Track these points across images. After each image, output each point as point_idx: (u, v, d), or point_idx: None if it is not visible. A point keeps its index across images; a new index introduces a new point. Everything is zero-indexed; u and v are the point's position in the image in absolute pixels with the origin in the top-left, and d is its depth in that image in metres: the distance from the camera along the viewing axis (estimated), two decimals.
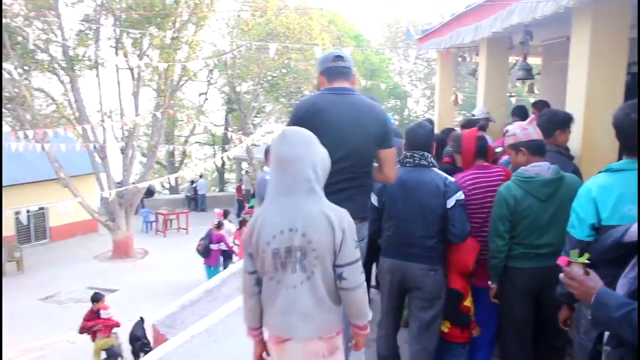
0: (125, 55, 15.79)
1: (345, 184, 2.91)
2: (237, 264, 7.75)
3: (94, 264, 16.06)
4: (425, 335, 3.49)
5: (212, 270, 12.05)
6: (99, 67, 16.18)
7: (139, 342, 8.84)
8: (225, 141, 26.96)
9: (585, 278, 1.87)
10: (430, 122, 7.18)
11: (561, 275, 1.93)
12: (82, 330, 8.89)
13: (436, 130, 6.90)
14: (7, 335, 10.97)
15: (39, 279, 14.66)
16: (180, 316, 7.28)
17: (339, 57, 3.06)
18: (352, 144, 2.92)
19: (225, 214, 13.89)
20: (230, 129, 24.68)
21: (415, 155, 3.48)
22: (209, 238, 12.49)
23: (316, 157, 2.32)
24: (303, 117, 2.89)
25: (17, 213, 16.33)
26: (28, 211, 16.95)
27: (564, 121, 3.89)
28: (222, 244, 12.43)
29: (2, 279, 7.95)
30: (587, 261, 1.89)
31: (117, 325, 9.02)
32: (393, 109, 33.06)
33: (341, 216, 2.26)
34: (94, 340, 8.93)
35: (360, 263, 2.31)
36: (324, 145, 2.45)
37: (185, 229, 19.73)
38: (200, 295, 7.34)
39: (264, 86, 21.36)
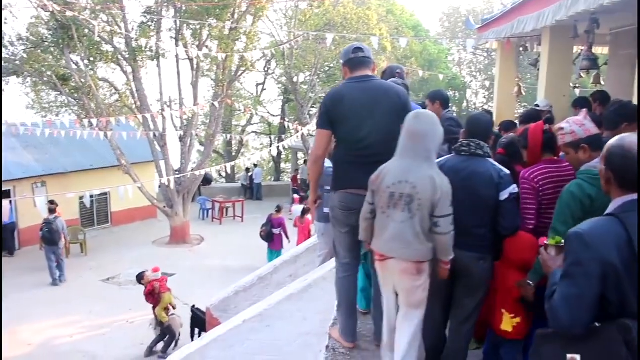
0: (185, 46, 16.10)
1: (374, 157, 3.32)
2: (290, 252, 7.81)
3: (152, 249, 16.54)
4: (464, 328, 3.46)
5: (274, 253, 12.35)
6: (160, 58, 16.59)
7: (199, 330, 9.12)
8: (282, 131, 27.20)
9: (549, 257, 2.37)
10: (489, 113, 7.03)
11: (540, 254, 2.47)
12: (148, 298, 9.34)
13: (496, 123, 6.76)
14: (71, 314, 11.53)
15: (101, 261, 15.24)
16: (234, 301, 7.42)
17: (359, 49, 3.56)
18: (375, 121, 3.39)
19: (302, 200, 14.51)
20: (286, 118, 24.86)
21: (472, 144, 3.41)
22: (270, 223, 12.94)
23: (436, 135, 3.10)
24: (330, 105, 3.47)
25: (82, 197, 17.01)
26: (92, 196, 17.64)
27: (633, 115, 3.71)
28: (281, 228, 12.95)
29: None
30: (560, 244, 2.31)
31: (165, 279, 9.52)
32: (451, 101, 32.55)
33: (443, 181, 3.04)
34: (155, 308, 9.25)
35: (451, 217, 3.05)
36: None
37: (241, 217, 20.05)
38: (253, 281, 7.46)
39: (321, 77, 21.41)
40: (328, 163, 3.84)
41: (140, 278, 9.54)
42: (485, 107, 29.65)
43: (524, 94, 8.88)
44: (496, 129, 5.95)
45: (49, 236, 13.11)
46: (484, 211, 3.31)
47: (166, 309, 9.38)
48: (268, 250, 13.06)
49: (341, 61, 3.66)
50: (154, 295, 9.28)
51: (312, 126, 17.09)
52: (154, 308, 9.43)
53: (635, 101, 4.32)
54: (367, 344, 3.96)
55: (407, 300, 3.17)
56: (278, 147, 14.12)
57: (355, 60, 3.52)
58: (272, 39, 21.91)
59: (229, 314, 7.39)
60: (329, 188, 3.82)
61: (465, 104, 34.43)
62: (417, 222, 3.01)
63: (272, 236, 12.91)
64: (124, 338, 10.25)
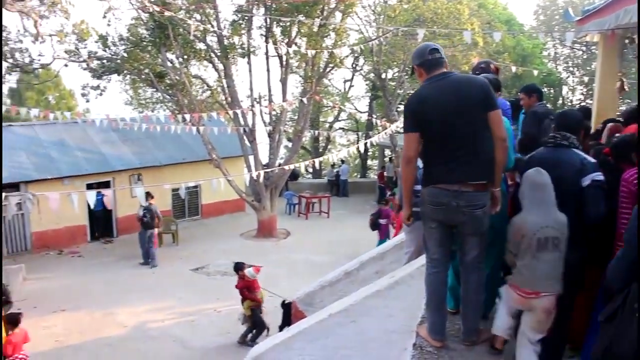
0: (275, 43, 16.37)
1: (461, 151, 3.37)
2: (376, 248, 7.75)
3: (239, 241, 16.97)
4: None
5: (380, 242, 12.50)
6: (250, 55, 16.96)
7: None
8: (369, 128, 27.11)
9: None
10: (587, 110, 6.65)
11: None
12: (242, 291, 9.59)
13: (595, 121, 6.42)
14: (163, 300, 12.04)
15: (191, 251, 15.81)
16: (319, 295, 7.46)
17: (435, 50, 3.55)
18: (458, 115, 3.36)
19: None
20: (374, 115, 24.73)
21: (558, 135, 3.54)
22: (378, 213, 13.38)
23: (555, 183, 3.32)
24: (414, 108, 3.50)
25: (176, 190, 17.72)
26: (186, 188, 18.33)
27: None
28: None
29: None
30: None
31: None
32: (546, 97, 31.10)
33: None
34: (243, 301, 9.50)
35: None
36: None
37: (327, 213, 20.17)
38: (339, 276, 7.46)
39: (409, 73, 21.12)
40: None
41: (238, 268, 9.72)
42: (584, 103, 28.18)
43: (627, 90, 8.30)
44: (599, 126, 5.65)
45: (149, 220, 14.28)
46: (568, 199, 3.35)
47: (255, 304, 9.58)
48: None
49: (414, 63, 3.64)
50: (250, 291, 9.49)
51: (400, 123, 16.92)
52: (242, 302, 9.64)
53: None
54: (455, 344, 3.86)
55: (540, 328, 3.38)
56: (365, 143, 14.01)
57: (433, 61, 3.53)
58: (360, 36, 21.87)
59: (315, 308, 7.44)
60: (419, 187, 3.79)
61: (560, 101, 32.86)
62: (560, 261, 3.29)
63: (378, 226, 13.26)
64: (211, 326, 10.57)
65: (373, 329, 5.66)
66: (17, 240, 16.12)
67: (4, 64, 17.90)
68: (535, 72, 20.29)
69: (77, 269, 14.58)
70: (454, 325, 4.11)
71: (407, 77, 20.44)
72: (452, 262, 4.17)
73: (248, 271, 9.60)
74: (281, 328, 9.50)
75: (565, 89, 33.99)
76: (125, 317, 11.07)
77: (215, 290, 12.60)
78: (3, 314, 8.08)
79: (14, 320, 7.88)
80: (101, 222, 17.32)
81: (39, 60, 18.46)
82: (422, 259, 5.83)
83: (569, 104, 32.46)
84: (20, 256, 15.41)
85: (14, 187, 14.66)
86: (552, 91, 31.85)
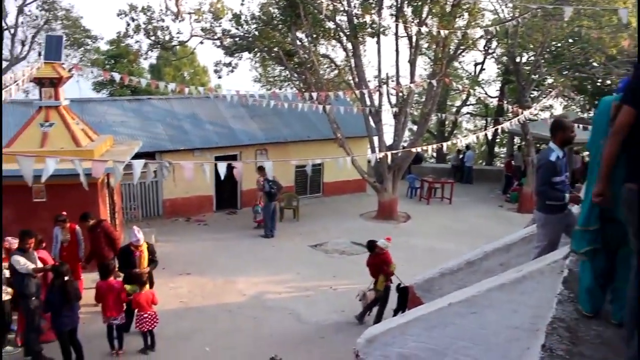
0: (405, 23, 16.01)
1: None
2: (502, 239, 7.34)
3: (359, 222, 16.96)
4: None
5: None
6: (380, 35, 16.73)
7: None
8: (499, 113, 25.94)
9: None
10: None
11: None
12: (375, 265, 9.53)
13: None
14: (281, 273, 12.32)
15: (310, 228, 16.05)
16: (439, 283, 7.23)
17: None
18: None
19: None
20: (505, 101, 23.59)
21: None
22: None
23: None
24: None
25: (300, 167, 18.07)
26: (307, 166, 18.58)
27: None
28: None
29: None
30: None
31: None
32: None
33: None
34: (376, 279, 9.43)
35: None
36: None
37: (449, 199, 19.62)
38: (460, 265, 7.17)
39: (547, 57, 19.82)
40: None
41: (372, 247, 9.67)
42: None
43: None
44: None
45: (275, 192, 14.98)
46: None
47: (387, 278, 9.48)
48: None
49: None
50: (386, 263, 9.39)
51: (533, 110, 15.96)
52: (375, 275, 9.53)
53: None
54: (592, 351, 3.51)
55: None
56: (496, 129, 13.31)
57: None
58: (494, 17, 20.84)
59: (433, 295, 7.22)
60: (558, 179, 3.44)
61: None
62: None
63: None
64: (326, 303, 10.65)
65: (495, 323, 5.36)
66: (151, 206, 17.31)
67: (147, 41, 19.11)
68: None
69: (202, 236, 15.35)
70: (589, 331, 3.76)
71: (543, 61, 19.21)
72: (591, 262, 3.85)
73: (381, 242, 9.53)
74: (396, 312, 9.37)
75: None
76: (244, 286, 11.46)
77: (333, 268, 12.70)
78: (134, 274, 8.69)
79: (141, 281, 8.41)
80: (226, 194, 18.08)
81: (178, 37, 19.53)
82: (554, 255, 5.42)
83: None
84: (152, 220, 16.50)
85: (150, 156, 15.63)
86: None
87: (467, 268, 7.16)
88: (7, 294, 8.16)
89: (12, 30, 25.20)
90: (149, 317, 8.28)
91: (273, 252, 13.88)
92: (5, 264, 8.09)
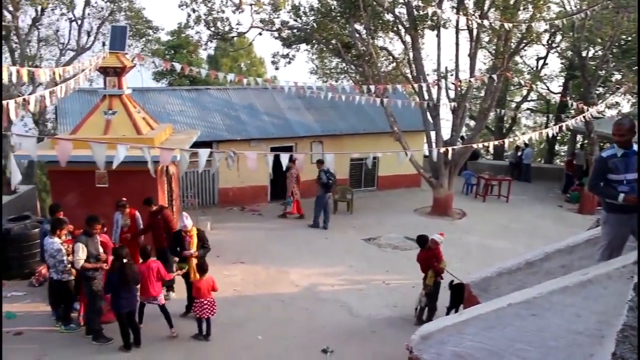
0: (466, 15, 15.66)
1: None
2: (565, 241, 7.10)
3: (413, 217, 16.78)
4: None
5: None
6: (440, 28, 16.42)
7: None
8: (561, 110, 25.11)
9: None
10: None
11: None
12: (426, 261, 9.34)
13: None
14: (334, 265, 12.34)
15: (364, 221, 15.98)
16: (496, 282, 7.08)
17: None
18: None
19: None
20: (568, 97, 22.81)
21: None
22: None
23: None
24: None
25: (355, 159, 18.03)
26: (364, 159, 18.56)
27: None
28: None
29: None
30: None
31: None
32: None
33: None
34: (425, 274, 9.28)
35: None
36: None
37: (506, 197, 19.16)
38: (519, 265, 6.99)
39: (615, 52, 19.01)
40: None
41: (424, 240, 9.54)
42: None
43: None
44: None
45: (332, 184, 15.18)
46: None
47: (437, 274, 9.31)
48: None
49: None
50: (436, 259, 9.23)
51: (599, 107, 15.38)
52: (425, 270, 9.38)
53: None
54: None
55: None
56: (560, 127, 12.84)
57: None
58: (560, 9, 20.14)
59: (489, 294, 7.08)
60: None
61: None
62: None
63: None
64: (379, 297, 10.58)
65: (555, 327, 5.21)
66: (207, 194, 17.64)
67: (206, 32, 19.38)
68: None
69: (256, 226, 15.53)
70: None
71: (611, 56, 18.46)
72: None
73: (436, 236, 9.38)
74: (449, 310, 9.22)
75: None
76: (296, 277, 11.53)
77: (385, 262, 12.62)
78: (197, 261, 8.86)
79: (202, 268, 8.56)
80: (281, 185, 18.19)
81: (237, 29, 19.72)
82: (623, 259, 5.21)
83: None
84: (208, 209, 16.80)
85: (208, 145, 15.89)
86: None
87: (526, 268, 6.98)
88: (71, 274, 8.47)
89: (79, 22, 26.03)
90: (208, 304, 8.42)
91: (326, 244, 13.89)
92: (65, 245, 8.40)
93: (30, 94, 9.95)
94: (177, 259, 9.27)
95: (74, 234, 8.94)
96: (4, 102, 6.51)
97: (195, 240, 9.13)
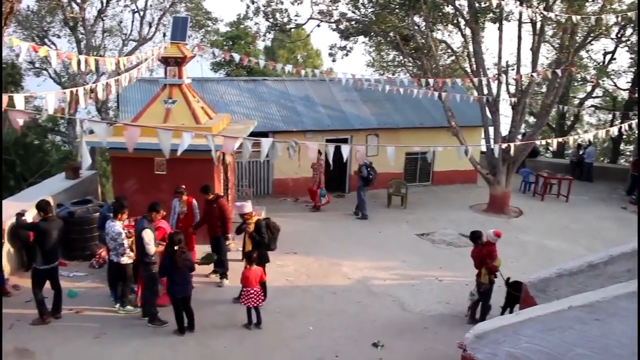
0: (530, 8, 15.18)
1: None
2: (631, 244, 6.81)
3: (468, 213, 16.48)
4: None
5: None
6: (503, 21, 15.99)
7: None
8: (628, 107, 24.09)
9: None
10: None
11: None
12: (480, 257, 9.11)
13: None
14: (386, 259, 12.26)
15: (418, 216, 15.82)
16: (555, 283, 6.88)
17: None
18: None
19: None
20: (637, 94, 21.86)
21: None
22: None
23: None
24: None
25: (410, 153, 17.84)
26: (421, 153, 18.41)
27: None
28: None
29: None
30: None
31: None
32: None
33: None
34: (480, 271, 9.08)
35: None
36: None
37: (566, 197, 18.55)
38: (581, 267, 6.76)
39: None
40: None
41: (477, 236, 9.34)
42: None
43: None
44: None
45: (372, 178, 15.29)
46: None
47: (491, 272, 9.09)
48: None
49: None
50: (489, 257, 9.01)
51: None
52: (479, 267, 9.18)
53: None
54: None
55: None
56: (630, 125, 12.28)
57: None
58: (631, 0, 19.29)
59: (548, 296, 6.89)
60: None
61: None
62: None
63: None
64: (431, 293, 10.45)
65: (620, 334, 5.00)
66: (261, 184, 17.83)
67: (265, 24, 19.53)
68: None
69: (309, 217, 15.60)
70: None
71: None
72: None
73: (488, 233, 9.16)
74: (504, 309, 9.00)
75: None
76: (349, 270, 11.51)
77: (439, 258, 12.45)
78: (246, 251, 8.99)
79: (251, 258, 8.65)
80: (335, 178, 18.21)
81: (295, 20, 19.79)
82: None
83: None
84: (262, 199, 16.95)
85: (264, 135, 16.03)
86: None
87: (588, 271, 6.75)
88: (130, 257, 8.71)
89: (142, 13, 26.76)
90: (254, 294, 8.49)
91: (379, 238, 13.82)
92: (126, 230, 8.64)
93: (94, 82, 10.27)
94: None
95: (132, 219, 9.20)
96: (74, 90, 6.74)
97: (251, 227, 9.29)
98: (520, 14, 15.35)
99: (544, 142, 11.18)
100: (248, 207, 9.45)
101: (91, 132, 7.77)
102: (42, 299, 8.39)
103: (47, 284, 8.49)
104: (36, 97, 9.52)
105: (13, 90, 21.88)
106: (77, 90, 6.85)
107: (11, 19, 4.72)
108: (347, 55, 19.95)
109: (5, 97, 5.08)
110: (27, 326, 8.27)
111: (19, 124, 5.00)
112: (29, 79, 26.31)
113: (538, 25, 15.76)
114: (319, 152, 13.66)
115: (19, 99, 5.68)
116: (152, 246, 8.20)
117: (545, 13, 13.82)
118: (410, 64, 19.46)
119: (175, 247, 7.88)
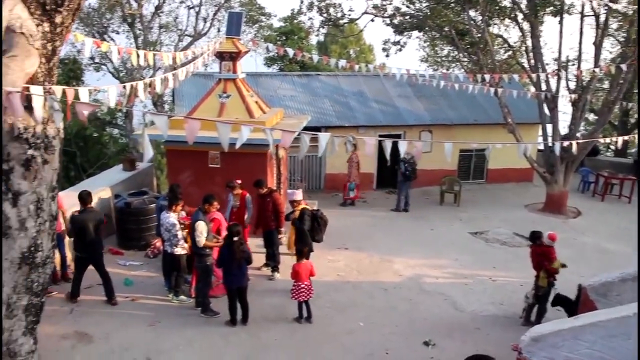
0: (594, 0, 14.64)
1: None
2: None
3: (523, 212, 16.08)
4: None
5: None
6: (564, 14, 15.49)
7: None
8: None
9: None
10: None
11: None
12: (537, 258, 8.92)
13: None
14: (438, 257, 12.09)
15: (471, 214, 15.54)
16: (618, 288, 6.63)
17: None
18: None
19: None
20: None
21: None
22: None
23: None
24: None
25: (465, 150, 17.54)
26: (476, 150, 18.05)
27: None
28: None
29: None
30: None
31: None
32: None
33: None
34: (538, 274, 8.85)
35: None
36: None
37: (628, 198, 17.85)
38: None
39: None
40: None
41: (536, 237, 9.11)
42: None
43: None
44: None
45: (410, 174, 15.47)
46: None
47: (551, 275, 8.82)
48: None
49: None
50: (547, 258, 8.75)
51: None
52: (537, 269, 8.93)
53: None
54: None
55: None
56: None
57: None
58: None
59: (609, 301, 6.65)
60: None
61: None
62: None
63: None
64: (484, 293, 10.24)
65: None
66: (313, 179, 17.89)
67: (319, 19, 19.56)
68: None
69: (360, 213, 15.52)
70: None
71: None
72: None
73: (545, 237, 8.92)
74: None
75: None
76: (400, 267, 11.40)
77: (493, 258, 12.19)
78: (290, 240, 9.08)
79: (301, 253, 8.67)
80: (387, 174, 18.07)
81: (349, 15, 19.72)
82: None
83: None
84: (314, 193, 16.99)
85: (317, 130, 16.07)
86: None
87: None
88: (183, 248, 8.88)
89: (197, 9, 27.21)
90: (305, 288, 8.52)
91: (431, 236, 13.65)
92: (175, 218, 8.80)
93: (151, 77, 10.54)
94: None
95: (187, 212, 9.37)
96: (134, 83, 6.91)
97: (297, 214, 9.59)
98: (583, 6, 14.85)
99: (607, 140, 10.73)
100: (299, 194, 9.68)
101: (152, 123, 7.98)
102: (78, 281, 8.81)
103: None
104: (98, 91, 9.82)
105: (75, 84, 22.64)
106: (136, 84, 7.03)
107: (78, 14, 4.87)
108: (400, 50, 19.79)
109: (71, 91, 5.26)
110: (86, 311, 8.56)
111: (85, 116, 5.15)
112: (89, 73, 27.21)
113: (602, 17, 15.19)
114: (355, 147, 13.62)
115: (83, 92, 5.86)
116: (202, 238, 8.32)
117: (610, 5, 13.28)
118: (466, 59, 19.15)
119: (235, 239, 8.00)
